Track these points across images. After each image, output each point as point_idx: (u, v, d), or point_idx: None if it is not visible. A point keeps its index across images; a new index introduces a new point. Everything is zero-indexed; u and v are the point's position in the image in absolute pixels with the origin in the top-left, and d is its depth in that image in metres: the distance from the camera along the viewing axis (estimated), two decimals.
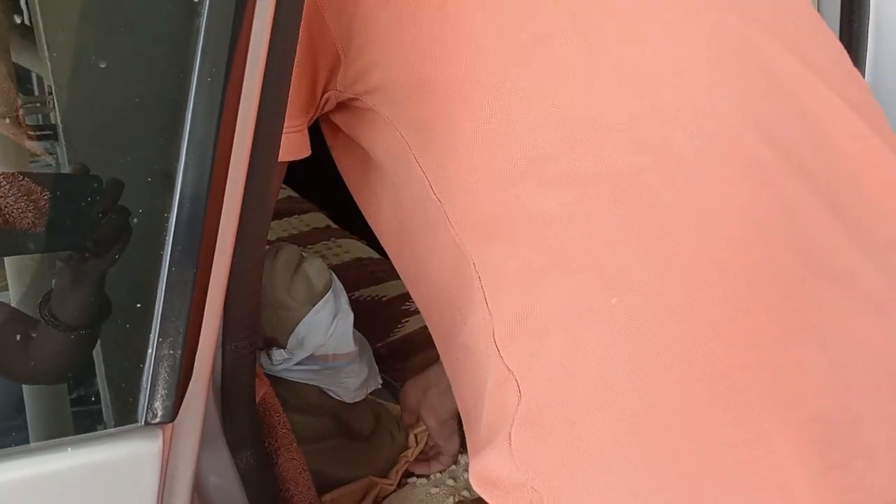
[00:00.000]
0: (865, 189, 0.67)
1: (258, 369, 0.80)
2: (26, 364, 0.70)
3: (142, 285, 0.60)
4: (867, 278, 0.63)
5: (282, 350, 0.94)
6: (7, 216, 0.60)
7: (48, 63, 0.83)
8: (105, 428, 0.65)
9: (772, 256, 0.60)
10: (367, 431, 1.06)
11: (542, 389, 0.58)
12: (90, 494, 0.60)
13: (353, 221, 1.04)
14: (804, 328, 0.59)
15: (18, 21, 0.88)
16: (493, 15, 0.66)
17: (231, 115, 0.57)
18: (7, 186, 0.60)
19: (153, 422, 0.60)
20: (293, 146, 0.73)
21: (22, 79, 0.98)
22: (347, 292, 0.99)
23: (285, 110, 0.63)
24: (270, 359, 0.94)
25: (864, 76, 1.08)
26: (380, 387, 1.05)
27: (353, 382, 1.00)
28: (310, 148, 0.76)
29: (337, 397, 1.01)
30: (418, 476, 1.02)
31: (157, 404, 0.60)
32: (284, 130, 0.65)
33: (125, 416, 0.61)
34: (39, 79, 1.00)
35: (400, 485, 1.02)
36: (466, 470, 1.01)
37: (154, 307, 0.58)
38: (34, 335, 0.68)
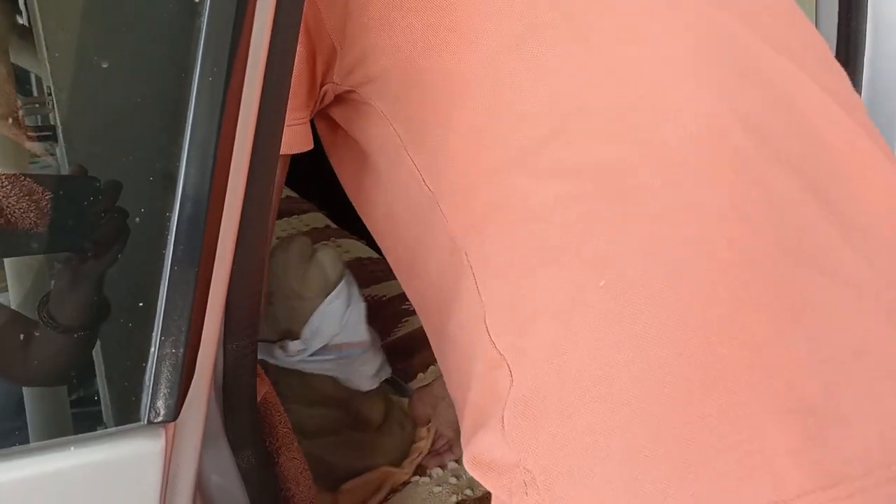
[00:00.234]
0: (850, 180, 0.67)
1: (258, 368, 0.80)
2: (26, 366, 0.70)
3: (144, 284, 0.60)
4: (850, 265, 0.63)
5: (297, 341, 0.94)
6: (4, 217, 0.60)
7: (47, 64, 0.83)
8: (108, 427, 0.65)
9: (760, 248, 0.60)
10: (379, 421, 1.07)
11: (533, 373, 0.59)
12: (93, 493, 0.60)
13: (352, 222, 1.04)
14: (793, 319, 0.59)
15: (18, 22, 0.88)
16: (486, 6, 0.67)
17: (232, 115, 0.58)
18: (5, 187, 0.60)
19: (156, 420, 0.61)
20: (297, 139, 0.73)
21: (22, 80, 0.98)
22: None
23: (286, 110, 0.63)
24: (286, 351, 0.95)
25: (861, 77, 1.08)
26: (390, 375, 1.06)
27: (369, 370, 1.01)
28: (312, 142, 0.76)
29: (352, 386, 1.01)
30: (421, 475, 1.03)
31: (160, 403, 0.60)
32: (288, 123, 0.65)
33: (128, 414, 0.61)
34: (39, 80, 1.00)
35: (404, 483, 1.02)
36: None
37: (157, 306, 0.59)
38: (34, 336, 0.68)
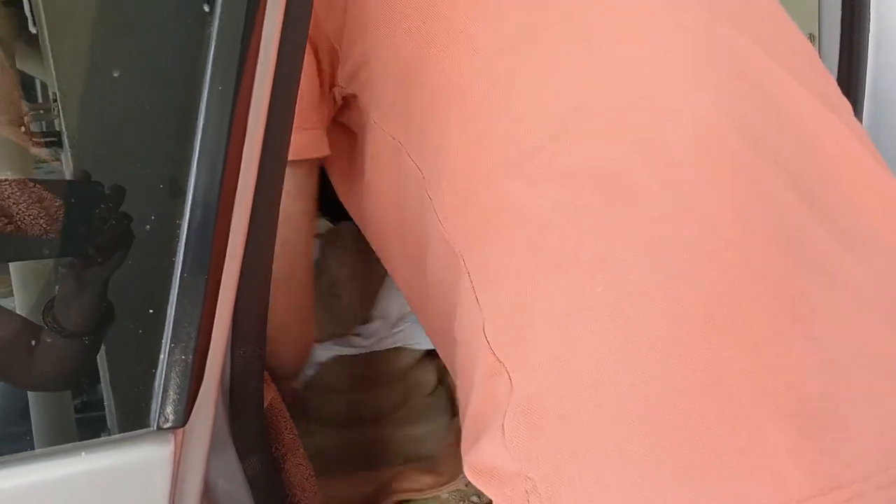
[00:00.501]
0: (843, 185, 0.68)
1: (265, 375, 0.80)
2: (31, 371, 0.70)
3: (154, 291, 0.60)
4: (849, 272, 0.63)
5: (373, 323, 0.96)
6: (9, 222, 0.60)
7: (53, 71, 0.84)
8: (117, 432, 0.65)
9: (760, 250, 0.60)
10: (433, 386, 1.11)
11: (534, 380, 0.59)
12: (102, 499, 0.60)
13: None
14: (793, 320, 0.59)
15: (27, 29, 0.89)
16: (485, 9, 0.67)
17: (241, 123, 0.58)
18: (10, 192, 0.60)
19: (165, 426, 0.61)
20: (311, 143, 0.74)
21: (33, 87, 0.99)
22: None
23: (293, 118, 0.64)
24: (362, 335, 0.96)
25: (864, 87, 1.09)
26: None
27: None
28: (328, 147, 0.76)
29: (419, 348, 1.04)
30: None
31: (169, 409, 0.60)
32: (302, 127, 0.65)
33: (137, 420, 0.61)
34: (44, 86, 1.00)
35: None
36: None
37: (166, 313, 0.59)
38: (39, 341, 0.68)
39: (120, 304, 0.66)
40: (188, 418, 0.61)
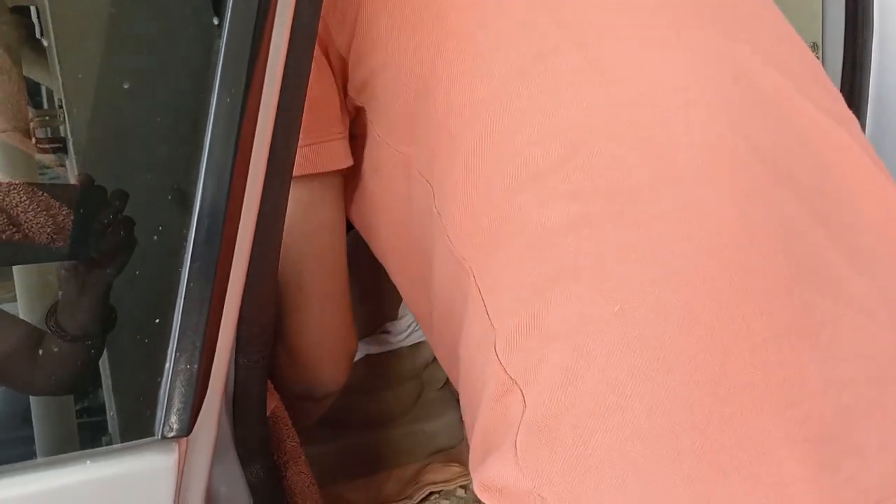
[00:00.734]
0: (849, 198, 0.68)
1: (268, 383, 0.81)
2: (33, 375, 0.70)
3: (160, 301, 0.60)
4: (853, 284, 0.63)
5: (402, 319, 0.96)
6: (13, 226, 0.60)
7: (60, 78, 0.84)
8: (120, 441, 0.65)
9: (767, 264, 0.60)
10: (443, 381, 1.13)
11: (547, 398, 0.59)
12: None
13: None
14: (799, 332, 0.59)
15: (34, 37, 0.89)
16: (495, 32, 0.67)
17: (249, 135, 0.58)
18: (14, 197, 0.60)
19: (169, 435, 0.61)
20: (341, 153, 0.74)
21: (39, 94, 0.99)
22: None
23: (300, 129, 0.64)
24: (391, 333, 0.96)
25: (867, 96, 1.09)
26: None
27: None
28: (351, 157, 0.76)
29: None
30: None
31: (174, 418, 0.61)
32: (331, 138, 0.65)
33: (142, 429, 0.62)
34: (50, 94, 1.01)
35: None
36: None
37: (172, 322, 0.59)
38: (41, 346, 0.68)
39: (126, 313, 0.66)
40: (193, 427, 0.62)
